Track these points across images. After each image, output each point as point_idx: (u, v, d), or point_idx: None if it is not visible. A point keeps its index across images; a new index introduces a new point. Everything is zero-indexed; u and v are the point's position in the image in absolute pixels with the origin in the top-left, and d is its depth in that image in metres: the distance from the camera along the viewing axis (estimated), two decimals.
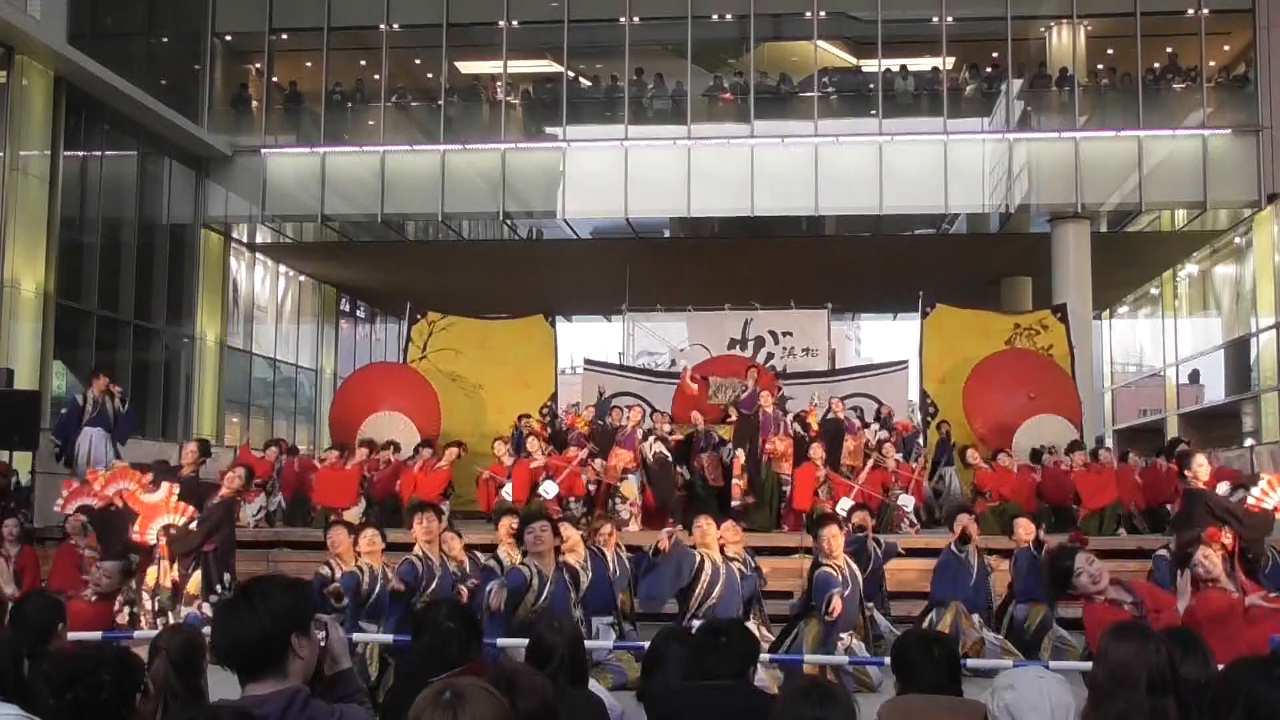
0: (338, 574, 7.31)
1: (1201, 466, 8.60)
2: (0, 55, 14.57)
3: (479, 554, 8.37)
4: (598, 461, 12.21)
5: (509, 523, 8.28)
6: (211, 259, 19.75)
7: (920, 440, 14.31)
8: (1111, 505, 11.75)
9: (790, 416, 12.77)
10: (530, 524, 7.19)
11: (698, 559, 7.67)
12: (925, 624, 8.20)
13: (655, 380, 16.03)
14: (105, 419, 12.02)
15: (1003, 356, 14.75)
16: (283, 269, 22.71)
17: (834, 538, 7.59)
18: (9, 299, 14.52)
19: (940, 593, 8.45)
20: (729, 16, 19.20)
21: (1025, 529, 8.77)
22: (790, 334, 17.19)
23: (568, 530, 7.96)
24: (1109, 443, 20.09)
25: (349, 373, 19.83)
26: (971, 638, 8.02)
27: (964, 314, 15.83)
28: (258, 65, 20.31)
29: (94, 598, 6.86)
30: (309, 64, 19.86)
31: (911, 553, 10.13)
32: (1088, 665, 3.10)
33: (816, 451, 11.71)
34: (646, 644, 4.22)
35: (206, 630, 3.21)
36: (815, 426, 12.66)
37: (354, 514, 11.33)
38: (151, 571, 8.60)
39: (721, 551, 7.93)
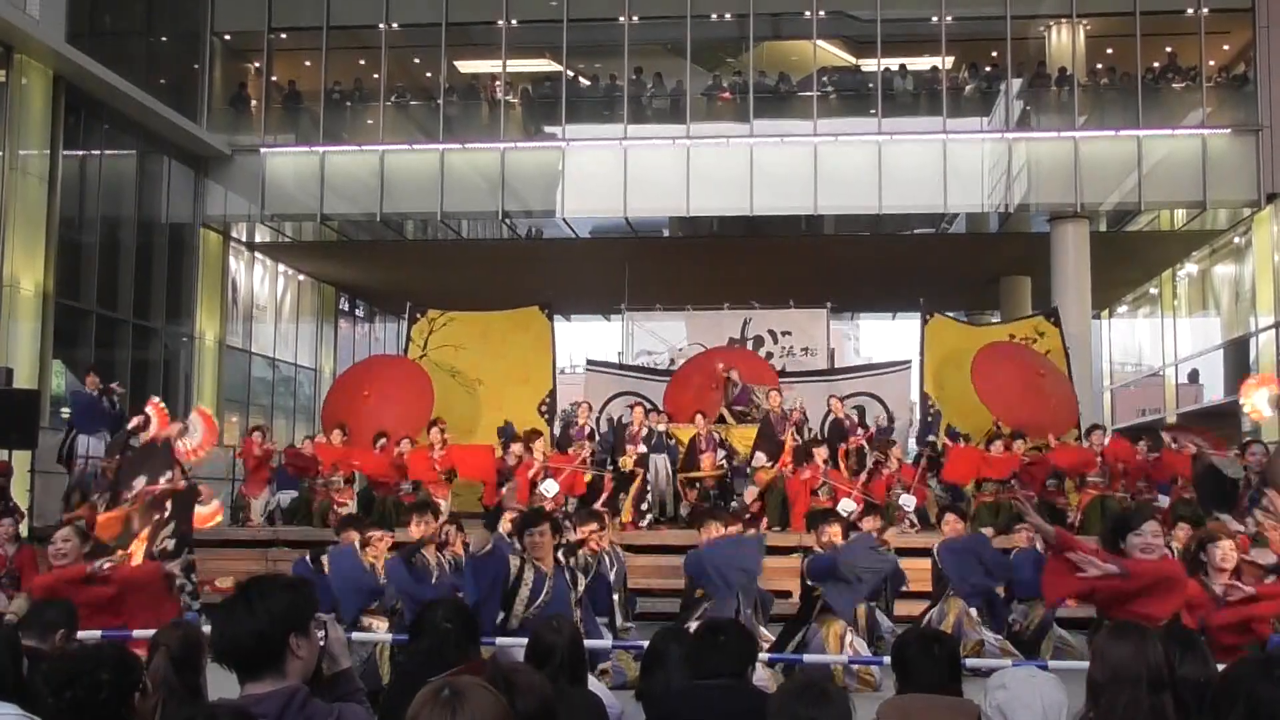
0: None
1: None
2: None
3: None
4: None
5: (508, 517, 8.29)
6: (210, 258, 19.72)
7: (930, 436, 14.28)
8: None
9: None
10: (530, 527, 7.16)
11: None
12: (925, 623, 8.21)
13: (657, 379, 16.02)
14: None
15: (1007, 346, 15.11)
16: (282, 268, 22.68)
17: (835, 535, 7.65)
18: (8, 298, 14.49)
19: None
20: (728, 16, 19.16)
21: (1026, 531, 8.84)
22: (789, 333, 17.20)
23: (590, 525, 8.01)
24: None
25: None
26: (972, 639, 8.03)
27: (959, 327, 16.18)
28: (257, 64, 20.28)
29: (133, 548, 6.94)
30: (308, 63, 19.83)
31: (912, 553, 10.12)
32: (1086, 664, 3.10)
33: (820, 454, 11.77)
34: (645, 644, 4.22)
35: (207, 628, 3.21)
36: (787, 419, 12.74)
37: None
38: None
39: None
